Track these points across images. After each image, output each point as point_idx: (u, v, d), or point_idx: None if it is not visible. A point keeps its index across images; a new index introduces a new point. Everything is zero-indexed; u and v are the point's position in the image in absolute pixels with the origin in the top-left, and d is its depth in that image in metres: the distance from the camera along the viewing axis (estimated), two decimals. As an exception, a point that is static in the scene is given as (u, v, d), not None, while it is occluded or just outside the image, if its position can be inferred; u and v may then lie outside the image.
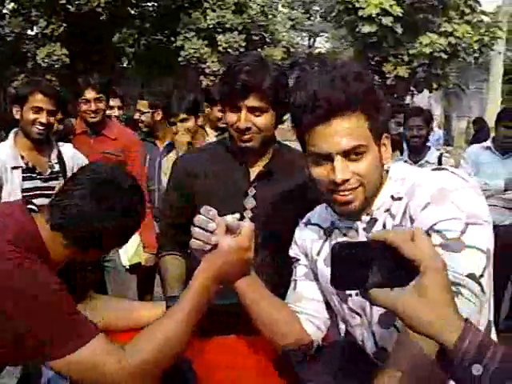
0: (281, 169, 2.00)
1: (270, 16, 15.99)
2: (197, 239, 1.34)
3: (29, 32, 16.28)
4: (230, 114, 1.93)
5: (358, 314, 1.42)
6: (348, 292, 1.41)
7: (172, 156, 3.42)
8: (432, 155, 4.44)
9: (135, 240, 3.57)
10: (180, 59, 14.94)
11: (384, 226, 1.34)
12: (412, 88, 17.74)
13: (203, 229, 1.33)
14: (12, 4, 15.69)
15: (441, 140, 11.17)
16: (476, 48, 17.32)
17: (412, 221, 1.28)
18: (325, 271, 1.46)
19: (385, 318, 1.36)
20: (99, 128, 3.56)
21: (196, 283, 1.35)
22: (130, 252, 3.58)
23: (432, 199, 1.25)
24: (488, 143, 4.49)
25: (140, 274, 3.72)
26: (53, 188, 2.82)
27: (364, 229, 1.38)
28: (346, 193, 1.31)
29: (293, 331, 1.49)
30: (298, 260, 1.57)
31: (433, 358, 0.95)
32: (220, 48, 14.92)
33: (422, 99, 19.90)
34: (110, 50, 15.14)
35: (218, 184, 2.03)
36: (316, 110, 1.26)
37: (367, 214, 1.37)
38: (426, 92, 19.07)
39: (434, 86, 17.91)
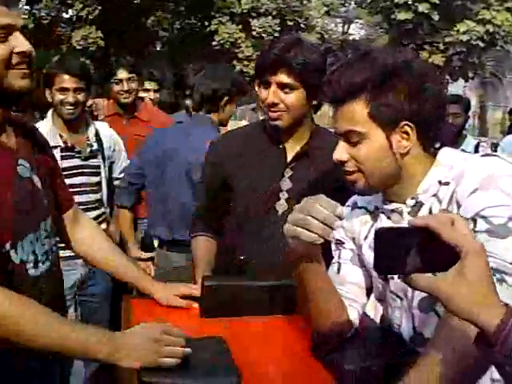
0: (318, 151, 2.01)
1: (305, 1, 15.87)
2: (309, 230, 1.29)
3: (64, 15, 16.42)
4: (262, 90, 1.95)
5: (399, 296, 1.42)
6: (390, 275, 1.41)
7: None
8: (469, 144, 4.39)
9: None
10: (214, 43, 14.93)
11: (430, 211, 1.33)
12: (447, 76, 17.47)
13: (322, 222, 1.28)
14: (48, -13, 15.81)
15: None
16: (515, 36, 16.97)
17: (459, 206, 1.27)
18: (369, 256, 1.47)
19: (425, 302, 1.36)
20: (132, 110, 3.59)
21: None
22: None
23: (480, 185, 1.23)
24: (525, 134, 4.42)
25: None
26: (92, 166, 2.84)
27: (409, 212, 1.38)
28: (347, 173, 1.38)
29: (340, 318, 1.50)
30: (343, 243, 1.56)
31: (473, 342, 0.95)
32: (254, 33, 14.88)
33: (457, 88, 19.61)
34: (144, 34, 15.20)
35: (254, 165, 2.04)
36: (326, 94, 1.37)
37: (412, 198, 1.38)
38: (461, 81, 18.78)
39: (470, 74, 17.63)
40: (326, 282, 1.47)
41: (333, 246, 1.58)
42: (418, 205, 1.37)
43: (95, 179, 2.86)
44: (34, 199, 1.47)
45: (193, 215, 2.25)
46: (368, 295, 1.57)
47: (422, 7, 15.88)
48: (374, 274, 1.47)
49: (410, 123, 1.32)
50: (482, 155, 1.34)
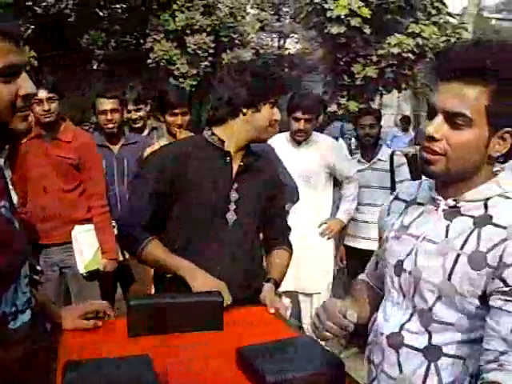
0: (254, 163, 2.26)
1: (239, 18, 15.98)
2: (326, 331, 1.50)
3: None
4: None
5: (403, 293, 1.47)
6: (405, 266, 1.46)
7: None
8: (384, 153, 4.54)
9: (92, 246, 3.55)
10: (149, 61, 14.86)
11: (465, 242, 1.34)
12: (381, 88, 17.86)
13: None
14: (-23, 6, 15.44)
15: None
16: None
17: (504, 264, 1.26)
18: (394, 240, 1.52)
19: (425, 315, 1.42)
20: (54, 131, 3.51)
21: None
22: (87, 259, 3.54)
23: None
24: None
25: (101, 279, 3.69)
26: None
27: (444, 210, 1.41)
28: (430, 152, 1.33)
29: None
30: (381, 238, 1.65)
31: None
32: (189, 50, 14.87)
33: (391, 99, 20.08)
34: (78, 53, 14.98)
35: (203, 177, 2.18)
36: (446, 64, 1.31)
37: (454, 200, 1.39)
38: (395, 92, 19.22)
39: (403, 85, 18.05)
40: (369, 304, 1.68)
41: None
42: (455, 211, 1.39)
43: None
44: (16, 244, 1.34)
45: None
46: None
47: (354, 21, 16.22)
48: (391, 261, 1.51)
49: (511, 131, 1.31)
50: None
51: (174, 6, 14.87)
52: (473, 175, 1.36)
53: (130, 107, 4.25)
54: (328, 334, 1.48)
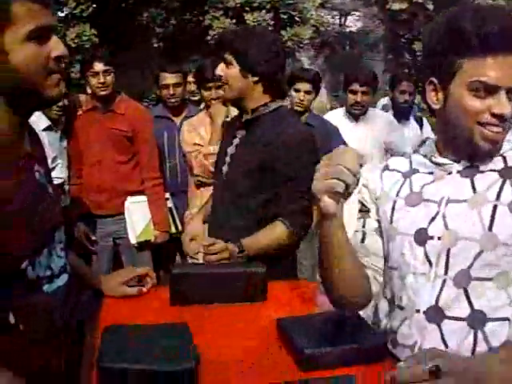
0: (267, 123, 2.24)
1: (299, -6, 15.79)
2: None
3: (59, 14, 16.38)
4: None
5: (430, 262, 1.40)
6: (430, 233, 1.40)
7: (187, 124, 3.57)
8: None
9: (144, 217, 3.59)
10: (208, 38, 14.88)
11: (500, 192, 1.35)
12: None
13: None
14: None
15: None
16: None
17: None
18: (406, 210, 1.46)
19: (461, 277, 1.36)
20: (109, 103, 3.55)
21: None
22: (138, 230, 3.59)
23: None
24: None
25: (153, 250, 3.74)
26: None
27: (459, 171, 1.40)
28: (500, 130, 1.32)
29: (363, 288, 1.50)
30: (368, 211, 1.56)
31: None
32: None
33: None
34: (138, 30, 15.16)
35: (226, 133, 2.51)
36: (500, 37, 1.26)
37: (469, 160, 1.40)
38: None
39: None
40: (350, 247, 1.44)
41: (358, 214, 1.59)
42: (473, 169, 1.39)
43: None
44: (49, 208, 1.37)
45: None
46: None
47: (417, -3, 15.85)
48: (409, 230, 1.43)
49: None
50: None
51: (234, -17, 14.83)
52: None
53: (190, 79, 4.26)
54: (336, 181, 1.24)
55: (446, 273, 1.37)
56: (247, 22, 14.98)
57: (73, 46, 14.95)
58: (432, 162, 1.46)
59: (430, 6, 15.96)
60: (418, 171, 1.49)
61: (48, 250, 1.34)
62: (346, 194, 1.27)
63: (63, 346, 1.39)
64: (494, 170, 1.38)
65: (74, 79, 5.03)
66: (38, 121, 3.28)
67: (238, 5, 14.73)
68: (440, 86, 1.38)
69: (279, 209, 2.19)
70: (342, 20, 24.77)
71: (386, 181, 1.54)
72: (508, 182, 1.35)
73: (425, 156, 1.49)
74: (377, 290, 1.55)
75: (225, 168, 2.33)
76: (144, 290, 1.84)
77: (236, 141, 2.33)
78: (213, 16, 14.98)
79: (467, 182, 1.39)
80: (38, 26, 1.24)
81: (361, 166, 1.26)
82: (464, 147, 1.38)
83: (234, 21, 15.01)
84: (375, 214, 1.55)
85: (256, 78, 2.23)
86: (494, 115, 1.31)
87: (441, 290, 1.38)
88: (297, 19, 15.77)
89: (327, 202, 1.27)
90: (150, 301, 1.82)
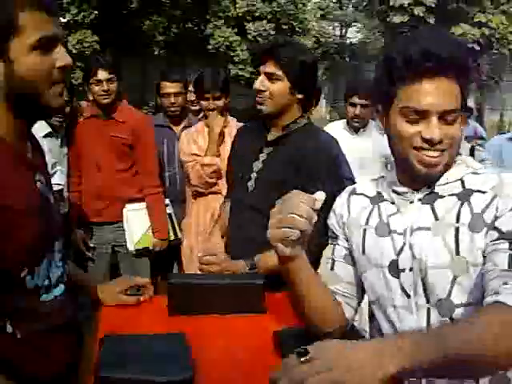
0: (296, 141, 2.20)
1: (300, 5, 15.86)
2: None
3: (61, 19, 16.42)
4: (255, 80, 2.23)
5: (407, 294, 1.39)
6: (401, 266, 1.39)
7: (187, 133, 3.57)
8: (463, 148, 4.39)
9: (142, 225, 3.59)
10: (209, 47, 14.94)
11: (459, 214, 1.33)
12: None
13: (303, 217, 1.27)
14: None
15: (478, 129, 10.71)
16: (511, 39, 16.97)
17: (496, 217, 1.27)
18: (377, 241, 1.45)
19: (444, 306, 1.34)
20: (110, 111, 3.56)
21: None
22: (136, 237, 3.59)
23: None
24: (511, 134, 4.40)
25: (152, 258, 3.74)
26: None
27: (420, 199, 1.39)
28: (435, 154, 1.32)
29: (335, 316, 1.51)
30: (337, 238, 1.56)
31: None
32: (249, 36, 14.88)
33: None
34: (140, 37, 15.21)
35: (244, 146, 2.40)
36: (424, 63, 1.27)
37: (428, 187, 1.39)
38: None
39: (466, 77, 17.64)
40: (316, 281, 1.47)
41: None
42: (433, 196, 1.38)
43: None
44: (50, 218, 1.37)
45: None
46: (362, 295, 1.57)
47: (418, 10, 15.93)
48: (383, 262, 1.43)
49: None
50: None
51: (235, -7, 14.91)
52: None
53: (190, 88, 4.28)
54: (289, 230, 1.28)
55: (428, 301, 1.36)
56: (248, 31, 15.09)
57: (74, 52, 15.05)
58: (394, 191, 1.46)
59: (431, 20, 16.05)
60: (384, 199, 1.48)
61: (48, 260, 1.35)
62: (302, 239, 1.31)
63: (60, 354, 1.40)
64: (452, 194, 1.37)
65: (75, 86, 5.02)
66: (39, 127, 3.28)
67: (240, 14, 14.82)
68: (383, 113, 1.41)
69: None
70: (343, 31, 24.88)
71: (354, 206, 1.54)
72: (465, 203, 1.34)
73: (388, 184, 1.48)
74: (350, 314, 1.55)
75: (251, 184, 2.28)
76: (142, 299, 1.84)
77: (263, 156, 2.27)
78: (214, 25, 15.06)
79: (428, 209, 1.38)
80: (44, 36, 1.25)
81: (314, 209, 1.29)
82: (409, 173, 1.39)
83: (236, 30, 15.13)
84: (343, 240, 1.55)
85: (301, 96, 2.21)
86: (424, 140, 1.31)
87: (428, 320, 1.36)
88: (298, 29, 15.86)
89: (282, 248, 1.32)
90: (148, 310, 1.81)
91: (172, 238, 3.74)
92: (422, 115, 1.30)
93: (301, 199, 1.29)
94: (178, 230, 3.75)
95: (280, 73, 2.15)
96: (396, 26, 16.46)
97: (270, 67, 2.15)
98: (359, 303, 1.56)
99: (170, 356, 1.38)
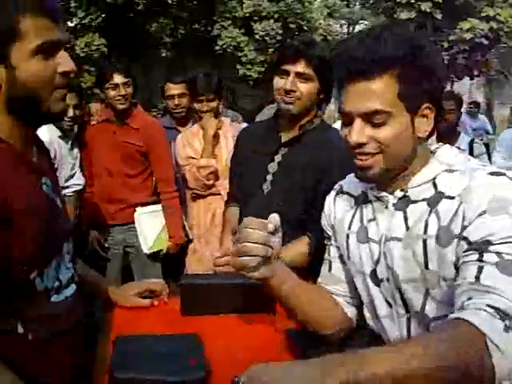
0: (313, 143, 2.19)
1: (307, 4, 15.84)
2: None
3: (68, 23, 16.51)
4: (279, 80, 2.16)
5: (388, 303, 1.38)
6: (380, 276, 1.38)
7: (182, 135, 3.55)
8: (464, 141, 4.36)
9: (156, 227, 3.60)
10: (217, 48, 14.96)
11: (426, 226, 1.28)
12: (452, 75, 17.39)
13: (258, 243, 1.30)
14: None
15: (488, 126, 10.57)
16: (520, 33, 16.87)
17: (464, 226, 1.20)
18: (358, 247, 1.43)
19: (420, 317, 1.32)
20: (124, 116, 3.55)
21: None
22: (150, 239, 3.60)
23: (489, 208, 1.17)
24: (525, 128, 4.38)
25: (164, 260, 3.74)
26: None
27: (394, 204, 1.34)
28: (364, 157, 1.28)
29: (335, 318, 1.51)
30: (330, 239, 1.56)
31: None
32: (257, 36, 14.88)
33: (463, 86, 19.52)
34: (147, 40, 15.26)
35: (256, 149, 2.34)
36: (343, 68, 1.26)
37: (401, 190, 1.33)
38: (466, 79, 18.70)
39: (475, 72, 17.55)
40: (304, 289, 1.47)
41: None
42: (406, 200, 1.33)
43: None
44: (57, 220, 1.37)
45: None
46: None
47: (425, 6, 15.87)
48: (365, 270, 1.41)
49: (430, 105, 1.28)
50: (491, 173, 1.23)
51: (242, -7, 14.92)
52: (412, 162, 1.31)
53: None
54: (247, 258, 1.31)
55: (407, 311, 1.35)
56: (255, 31, 15.09)
57: (82, 55, 15.12)
58: (371, 193, 1.41)
59: (438, 15, 15.98)
60: (367, 199, 1.44)
61: (57, 262, 1.35)
62: (267, 261, 1.33)
63: (73, 355, 1.41)
64: (424, 199, 1.30)
65: (84, 89, 5.03)
66: (50, 130, 3.30)
67: (247, 14, 14.82)
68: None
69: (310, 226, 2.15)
70: (350, 29, 24.84)
71: (339, 206, 1.52)
72: (433, 211, 1.27)
73: (370, 185, 1.43)
74: (353, 313, 1.53)
75: (266, 186, 2.25)
76: (156, 303, 1.85)
77: (278, 158, 2.24)
78: (221, 26, 15.08)
79: (401, 217, 1.33)
80: (46, 41, 1.24)
81: (274, 232, 1.32)
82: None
83: (243, 30, 15.13)
84: (333, 240, 1.55)
85: (323, 96, 2.20)
86: (353, 145, 1.28)
87: (408, 328, 1.35)
88: (305, 28, 15.84)
89: (248, 275, 1.35)
90: (161, 311, 1.82)
91: (185, 239, 3.75)
92: (349, 118, 1.28)
93: (253, 226, 1.30)
94: (188, 231, 3.75)
95: (312, 73, 2.12)
96: (403, 22, 16.38)
97: (301, 67, 2.12)
98: (362, 302, 1.52)
99: (183, 356, 1.39)
